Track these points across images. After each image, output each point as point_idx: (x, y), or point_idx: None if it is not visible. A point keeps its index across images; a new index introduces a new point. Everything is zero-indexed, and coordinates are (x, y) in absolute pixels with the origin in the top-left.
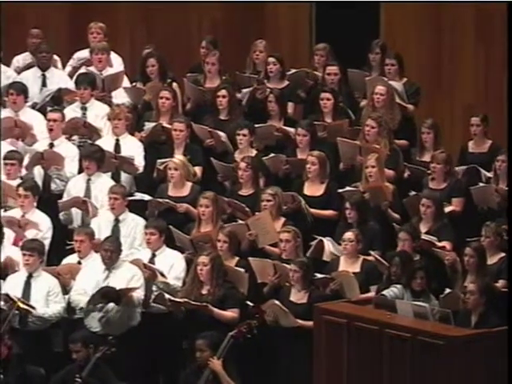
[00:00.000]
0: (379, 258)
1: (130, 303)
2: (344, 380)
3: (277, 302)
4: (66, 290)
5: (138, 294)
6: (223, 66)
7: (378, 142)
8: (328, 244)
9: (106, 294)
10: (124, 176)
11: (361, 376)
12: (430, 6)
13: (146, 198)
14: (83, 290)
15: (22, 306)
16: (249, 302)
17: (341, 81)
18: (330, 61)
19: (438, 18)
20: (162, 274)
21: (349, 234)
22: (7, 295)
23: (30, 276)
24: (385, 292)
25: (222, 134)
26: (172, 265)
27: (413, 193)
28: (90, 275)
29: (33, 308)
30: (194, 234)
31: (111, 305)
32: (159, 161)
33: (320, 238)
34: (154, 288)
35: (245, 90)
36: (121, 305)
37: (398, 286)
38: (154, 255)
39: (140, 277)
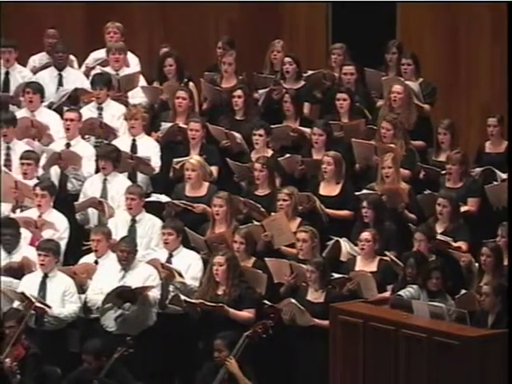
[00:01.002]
0: (394, 258)
1: (147, 303)
2: (360, 380)
3: (293, 301)
4: (82, 289)
5: (154, 294)
6: (240, 66)
7: (394, 143)
8: (345, 245)
9: (121, 294)
10: (140, 176)
11: (377, 376)
12: (447, 5)
13: (163, 199)
14: (100, 289)
15: (38, 305)
16: (266, 301)
17: (357, 80)
18: (346, 60)
19: (455, 17)
20: (180, 274)
21: (365, 234)
22: (23, 294)
23: (45, 276)
24: (401, 292)
25: (237, 135)
26: (189, 265)
27: (428, 191)
28: (107, 275)
29: (49, 307)
30: (208, 235)
31: (127, 304)
32: (175, 160)
33: (336, 238)
34: (171, 288)
35: (261, 91)
36: (136, 304)
37: (414, 286)
38: (171, 255)
39: (156, 277)
